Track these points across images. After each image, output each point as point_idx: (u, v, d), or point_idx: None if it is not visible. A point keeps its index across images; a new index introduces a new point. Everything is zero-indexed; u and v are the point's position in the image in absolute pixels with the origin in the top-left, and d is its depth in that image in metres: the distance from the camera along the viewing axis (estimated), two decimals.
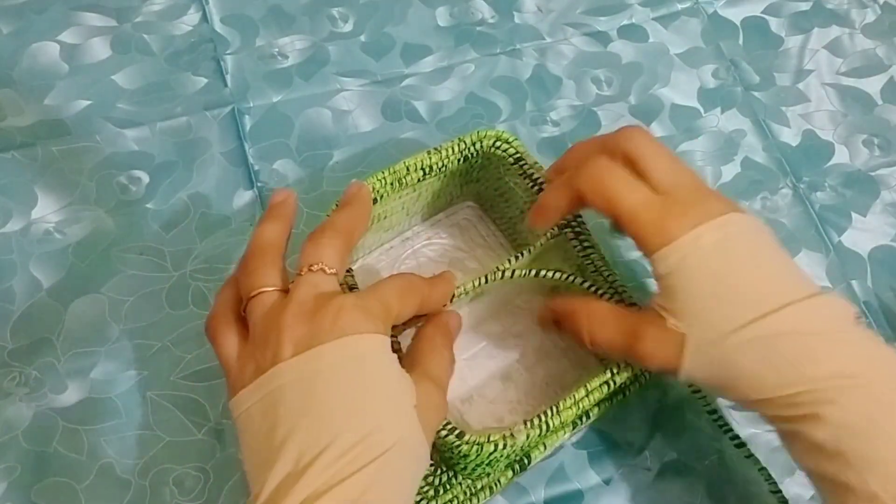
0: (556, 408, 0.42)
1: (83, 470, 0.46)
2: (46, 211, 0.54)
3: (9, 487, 0.46)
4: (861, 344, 0.38)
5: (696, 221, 0.38)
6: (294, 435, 0.33)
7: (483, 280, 0.44)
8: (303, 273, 0.38)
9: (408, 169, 0.47)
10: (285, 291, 0.38)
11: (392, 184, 0.46)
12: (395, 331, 0.41)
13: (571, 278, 0.46)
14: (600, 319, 0.42)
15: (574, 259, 0.48)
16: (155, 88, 0.58)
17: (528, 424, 0.41)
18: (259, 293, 0.37)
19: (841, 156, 0.59)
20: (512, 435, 0.41)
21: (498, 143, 0.49)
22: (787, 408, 0.37)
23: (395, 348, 0.40)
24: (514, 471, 0.45)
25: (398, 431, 0.34)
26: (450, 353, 0.41)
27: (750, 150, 0.59)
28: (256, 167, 0.56)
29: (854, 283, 0.55)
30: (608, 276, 0.47)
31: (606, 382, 0.43)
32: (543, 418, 0.41)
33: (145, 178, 0.55)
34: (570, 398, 0.42)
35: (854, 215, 0.57)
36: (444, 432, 0.40)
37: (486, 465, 0.43)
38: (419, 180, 0.47)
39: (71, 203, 0.54)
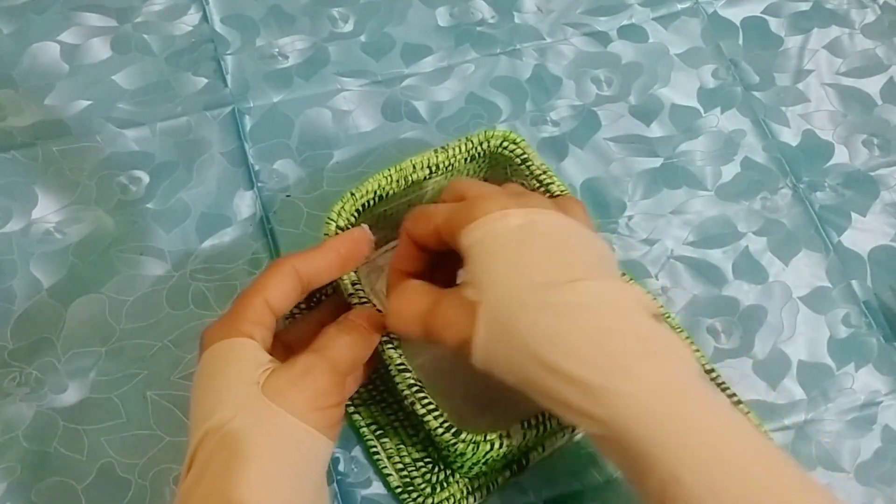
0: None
1: (83, 470, 0.46)
2: (47, 211, 0.54)
3: (9, 487, 0.46)
4: (657, 330, 0.36)
5: (508, 206, 0.38)
6: (191, 426, 0.38)
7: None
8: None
9: (414, 167, 0.47)
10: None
11: (398, 181, 0.46)
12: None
13: None
14: (406, 299, 0.41)
15: None
16: (155, 88, 0.58)
17: (525, 425, 0.41)
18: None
19: (841, 156, 0.60)
20: (508, 435, 0.41)
21: (505, 144, 0.49)
22: (578, 392, 0.35)
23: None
24: (511, 471, 0.45)
25: (232, 408, 0.37)
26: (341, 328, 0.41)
27: (750, 150, 0.59)
28: (257, 167, 0.56)
29: (854, 283, 0.55)
30: None
31: None
32: (541, 419, 0.41)
33: (145, 179, 0.55)
34: None
35: (854, 215, 0.57)
36: (440, 430, 0.40)
37: (483, 463, 0.43)
38: (425, 178, 0.47)
39: (71, 203, 0.54)
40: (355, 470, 0.47)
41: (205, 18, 0.61)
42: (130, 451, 0.47)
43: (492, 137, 0.49)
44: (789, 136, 0.60)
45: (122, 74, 0.59)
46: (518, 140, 0.49)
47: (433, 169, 0.47)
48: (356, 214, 0.45)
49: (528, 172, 0.48)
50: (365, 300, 0.43)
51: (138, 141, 0.56)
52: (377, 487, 0.47)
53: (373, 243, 0.44)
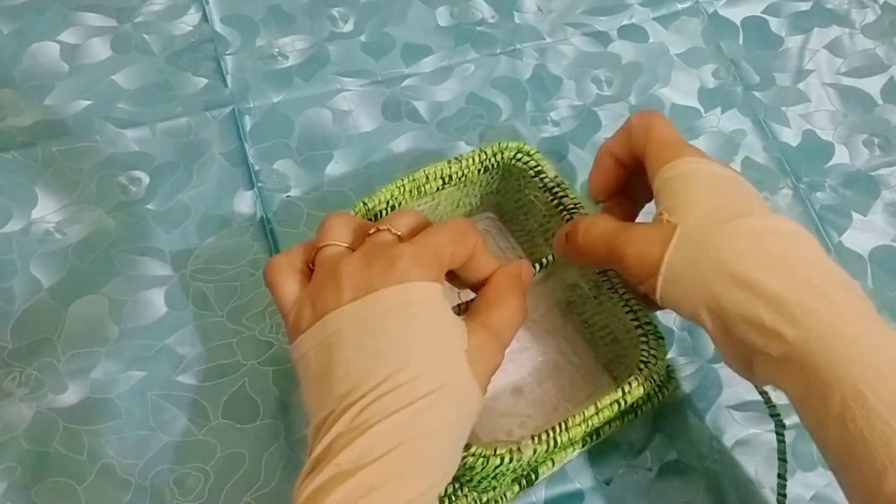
0: (566, 424, 0.41)
1: (83, 470, 0.46)
2: (46, 211, 0.54)
3: (9, 487, 0.46)
4: (838, 267, 0.38)
5: (705, 158, 0.42)
6: (348, 375, 0.35)
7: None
8: (371, 234, 0.39)
9: (427, 177, 0.47)
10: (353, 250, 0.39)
11: (411, 192, 0.46)
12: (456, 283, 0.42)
13: (588, 290, 0.47)
14: (602, 217, 0.43)
15: (590, 275, 0.48)
16: (155, 89, 0.58)
17: (536, 440, 0.41)
18: (328, 245, 0.39)
19: (841, 156, 0.59)
20: (519, 449, 0.40)
21: (519, 155, 0.49)
22: (772, 308, 0.36)
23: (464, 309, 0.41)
24: (520, 485, 0.45)
25: (444, 375, 0.35)
26: (517, 303, 0.40)
27: (750, 150, 0.59)
28: (257, 167, 0.56)
29: None
30: (623, 293, 0.46)
31: (617, 401, 0.42)
32: (552, 434, 0.41)
33: (146, 179, 0.55)
34: (580, 415, 0.42)
35: (854, 215, 0.57)
36: None
37: (492, 478, 0.42)
38: (438, 189, 0.47)
39: (71, 203, 0.54)
40: None
41: (205, 18, 0.61)
42: (130, 452, 0.47)
43: (505, 149, 0.48)
44: (790, 136, 0.60)
45: (121, 74, 0.59)
46: (532, 152, 0.49)
47: (446, 180, 0.47)
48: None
49: (541, 184, 0.48)
50: None
51: (138, 141, 0.56)
52: None
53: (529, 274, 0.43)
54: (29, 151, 0.55)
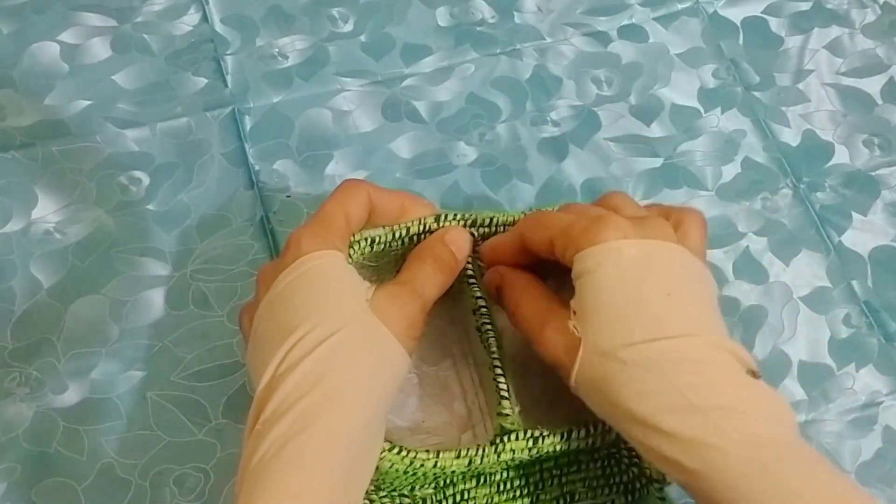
0: (497, 446, 0.40)
1: (83, 470, 0.46)
2: (46, 211, 0.54)
3: (9, 487, 0.46)
4: (752, 387, 0.37)
5: (628, 235, 0.38)
6: (263, 352, 0.37)
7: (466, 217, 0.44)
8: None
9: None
10: None
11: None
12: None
13: None
14: (529, 296, 0.42)
15: None
16: (155, 89, 0.58)
17: (460, 453, 0.40)
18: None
19: (841, 156, 0.59)
20: (417, 453, 0.40)
21: None
22: (670, 443, 0.36)
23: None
24: None
25: (342, 319, 0.37)
26: (432, 259, 0.42)
27: (750, 151, 0.59)
28: (257, 167, 0.56)
29: (854, 283, 0.55)
30: None
31: (556, 445, 0.41)
32: (473, 451, 0.40)
33: (146, 180, 0.55)
34: (507, 440, 0.41)
35: (854, 215, 0.57)
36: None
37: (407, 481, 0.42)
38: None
39: (71, 203, 0.54)
40: None
41: (205, 18, 0.61)
42: (130, 452, 0.47)
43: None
44: (790, 136, 0.60)
45: (121, 74, 0.59)
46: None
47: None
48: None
49: None
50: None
51: (138, 141, 0.56)
52: None
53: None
54: (29, 151, 0.55)
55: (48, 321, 0.50)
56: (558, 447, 0.41)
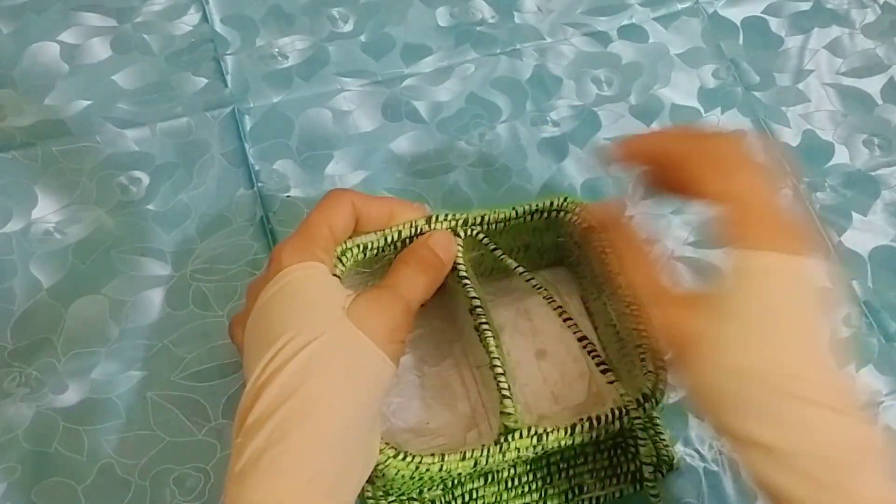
0: (499, 447, 0.40)
1: (83, 470, 0.46)
2: (46, 211, 0.54)
3: (9, 487, 0.46)
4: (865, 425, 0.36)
5: (797, 249, 0.36)
6: (249, 365, 0.38)
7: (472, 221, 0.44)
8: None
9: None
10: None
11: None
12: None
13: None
14: (645, 269, 0.40)
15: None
16: (155, 89, 0.58)
17: (461, 454, 0.40)
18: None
19: (841, 156, 0.59)
20: (437, 457, 0.40)
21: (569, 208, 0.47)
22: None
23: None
24: None
25: (320, 327, 0.38)
26: (415, 265, 0.43)
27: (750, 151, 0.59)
28: (257, 167, 0.56)
29: (854, 283, 0.55)
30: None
31: (561, 440, 0.41)
32: (476, 453, 0.40)
33: (146, 180, 0.55)
34: (513, 439, 0.40)
35: (854, 215, 0.57)
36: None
37: (412, 485, 0.42)
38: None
39: (71, 203, 0.54)
40: None
41: (205, 18, 0.61)
42: (130, 452, 0.47)
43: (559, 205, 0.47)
44: (790, 137, 0.60)
45: (121, 74, 0.59)
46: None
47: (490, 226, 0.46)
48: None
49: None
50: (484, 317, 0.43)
51: (138, 141, 0.56)
52: None
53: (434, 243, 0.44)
54: (29, 151, 0.55)
55: (48, 321, 0.50)
56: (563, 442, 0.41)
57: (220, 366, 0.49)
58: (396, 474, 0.40)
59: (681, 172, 0.39)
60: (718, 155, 0.39)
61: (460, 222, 0.45)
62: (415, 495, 0.44)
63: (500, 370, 0.42)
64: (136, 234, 0.53)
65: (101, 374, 0.49)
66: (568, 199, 0.46)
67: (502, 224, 0.46)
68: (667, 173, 0.40)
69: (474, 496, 0.45)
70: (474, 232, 0.45)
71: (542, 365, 0.45)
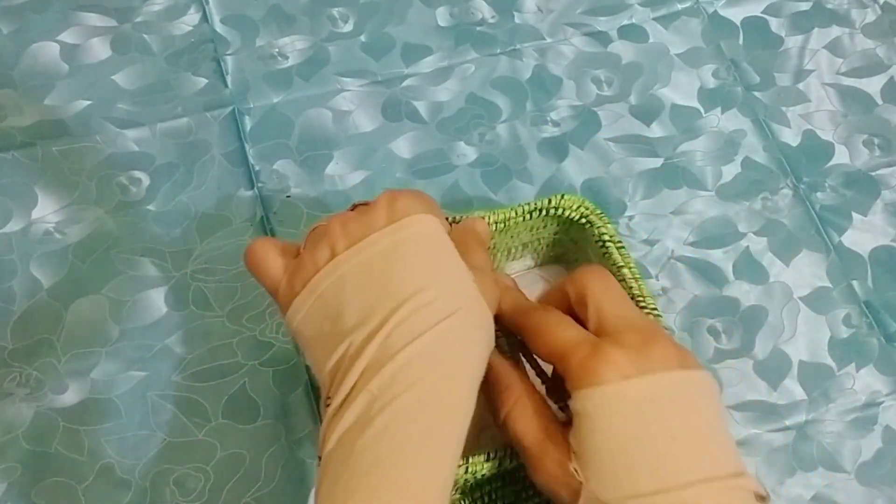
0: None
1: (83, 470, 0.46)
2: (46, 211, 0.54)
3: (9, 488, 0.46)
4: None
5: (628, 374, 0.35)
6: (361, 309, 0.34)
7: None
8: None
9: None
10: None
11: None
12: None
13: None
14: (523, 411, 0.38)
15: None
16: (155, 89, 0.58)
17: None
18: (317, 225, 0.37)
19: (841, 156, 0.59)
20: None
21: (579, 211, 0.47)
22: None
23: None
24: None
25: (460, 298, 0.35)
26: (484, 252, 0.40)
27: (750, 151, 0.59)
28: (257, 167, 0.56)
29: (854, 283, 0.55)
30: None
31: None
32: (499, 454, 0.40)
33: (146, 179, 0.55)
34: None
35: (854, 215, 0.57)
36: None
37: None
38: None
39: (71, 203, 0.54)
40: None
41: (205, 18, 0.61)
42: (130, 452, 0.47)
43: (566, 205, 0.47)
44: (790, 137, 0.60)
45: (121, 74, 0.59)
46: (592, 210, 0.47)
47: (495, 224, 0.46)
48: None
49: (602, 247, 0.46)
50: None
51: (138, 141, 0.56)
52: None
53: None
54: (29, 151, 0.55)
55: (48, 321, 0.50)
56: None
57: (220, 366, 0.49)
58: None
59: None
60: (580, 281, 0.38)
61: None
62: None
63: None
64: (136, 235, 0.53)
65: (101, 374, 0.49)
66: (565, 197, 0.47)
67: (502, 224, 0.46)
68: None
69: (493, 497, 0.45)
70: None
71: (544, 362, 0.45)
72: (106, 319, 0.50)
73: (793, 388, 0.51)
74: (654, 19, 0.64)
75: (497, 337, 0.41)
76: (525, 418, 0.38)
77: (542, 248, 0.51)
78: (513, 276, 0.52)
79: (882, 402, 0.51)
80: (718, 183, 0.58)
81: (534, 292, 0.48)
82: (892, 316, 0.54)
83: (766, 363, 0.52)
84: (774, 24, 0.65)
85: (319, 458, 0.33)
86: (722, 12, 0.65)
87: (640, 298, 0.44)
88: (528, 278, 0.53)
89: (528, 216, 0.46)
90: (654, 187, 0.57)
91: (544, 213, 0.47)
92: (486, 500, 0.45)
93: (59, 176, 0.55)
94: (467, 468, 0.40)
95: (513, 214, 0.46)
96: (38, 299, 0.51)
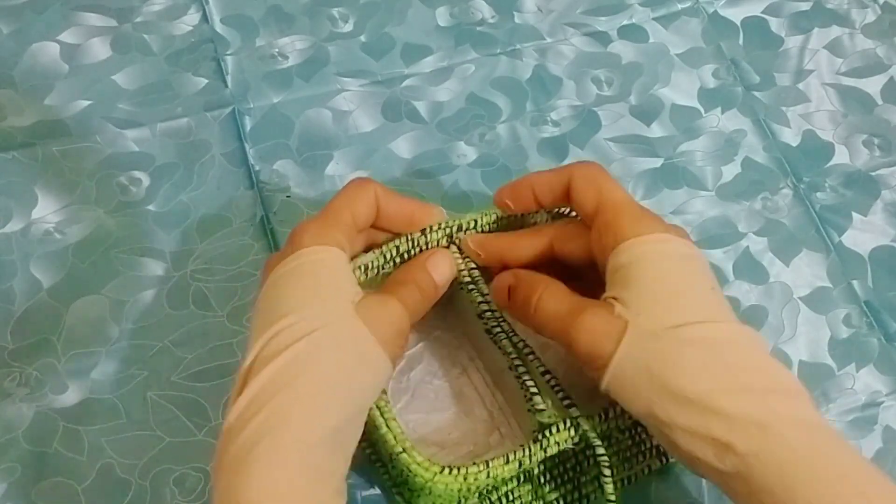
0: (533, 447, 0.40)
1: (83, 470, 0.46)
2: (47, 211, 0.54)
3: (9, 488, 0.46)
4: (782, 370, 0.38)
5: (667, 229, 0.40)
6: (254, 331, 0.38)
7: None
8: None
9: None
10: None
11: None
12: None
13: None
14: (552, 293, 0.41)
15: None
16: (155, 89, 0.58)
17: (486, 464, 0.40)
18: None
19: (841, 156, 0.59)
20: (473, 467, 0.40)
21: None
22: (725, 423, 0.35)
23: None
24: None
25: (324, 317, 0.38)
26: (414, 287, 0.42)
27: (750, 151, 0.59)
28: (257, 168, 0.56)
29: (855, 283, 0.55)
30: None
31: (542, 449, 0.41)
32: (517, 454, 0.40)
33: (146, 180, 0.55)
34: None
35: (855, 215, 0.57)
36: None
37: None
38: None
39: (71, 203, 0.54)
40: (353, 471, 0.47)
41: (205, 18, 0.61)
42: (130, 452, 0.47)
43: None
44: (790, 137, 0.60)
45: (121, 74, 0.59)
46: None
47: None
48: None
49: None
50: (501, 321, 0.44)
51: (138, 141, 0.56)
52: (377, 489, 0.47)
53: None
54: (29, 151, 0.55)
55: (48, 321, 0.50)
56: (599, 429, 0.41)
57: (220, 366, 0.49)
58: (445, 489, 0.40)
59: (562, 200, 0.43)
60: (584, 178, 0.42)
61: (454, 229, 0.45)
62: None
63: (522, 368, 0.42)
64: (137, 235, 0.53)
65: (101, 374, 0.49)
66: None
67: (495, 225, 0.46)
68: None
69: (511, 498, 0.45)
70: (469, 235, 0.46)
71: (546, 358, 0.45)
72: (106, 319, 0.50)
73: None
74: (654, 19, 0.64)
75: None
76: (557, 295, 0.41)
77: None
78: None
79: (882, 402, 0.51)
80: (718, 183, 0.58)
81: None
82: (893, 316, 0.54)
83: None
84: (774, 24, 0.65)
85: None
86: (722, 12, 0.65)
87: None
88: None
89: (518, 216, 0.47)
90: (655, 187, 0.57)
91: (535, 211, 0.47)
92: (504, 501, 0.45)
93: (59, 176, 0.55)
94: (488, 473, 0.40)
95: (504, 214, 0.46)
96: (38, 299, 0.51)
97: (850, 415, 0.51)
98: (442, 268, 0.44)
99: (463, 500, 0.43)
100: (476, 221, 0.46)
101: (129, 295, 0.51)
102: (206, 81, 0.59)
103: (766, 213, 0.57)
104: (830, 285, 0.55)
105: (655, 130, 0.59)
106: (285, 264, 0.40)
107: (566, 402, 0.42)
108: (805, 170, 0.59)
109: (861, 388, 0.51)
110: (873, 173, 0.59)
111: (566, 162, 0.58)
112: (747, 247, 0.55)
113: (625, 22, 0.64)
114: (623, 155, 0.58)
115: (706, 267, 0.41)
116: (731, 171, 0.58)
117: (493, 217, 0.46)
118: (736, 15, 0.65)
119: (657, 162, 0.58)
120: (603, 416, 0.41)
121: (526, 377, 0.42)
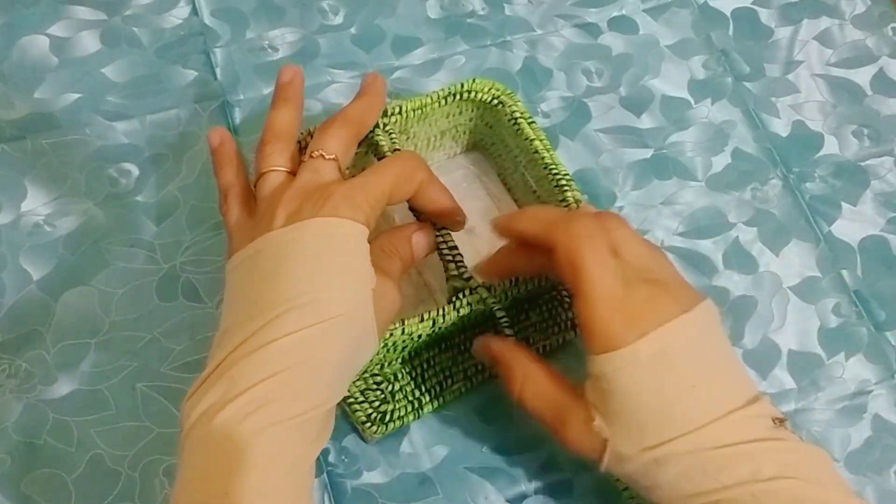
0: (447, 307, 0.44)
1: (73, 461, 0.46)
2: (36, 203, 0.53)
3: None
4: (782, 447, 0.37)
5: (643, 331, 0.37)
6: (261, 293, 0.37)
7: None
8: (306, 159, 0.42)
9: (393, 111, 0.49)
10: (293, 173, 0.41)
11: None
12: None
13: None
14: (534, 386, 0.41)
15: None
16: (145, 81, 0.58)
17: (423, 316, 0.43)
18: (268, 171, 0.42)
19: (831, 146, 0.60)
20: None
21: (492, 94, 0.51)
22: None
23: None
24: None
25: (347, 305, 0.37)
26: (399, 263, 0.43)
27: (740, 141, 0.59)
28: (246, 159, 0.56)
29: (844, 272, 0.55)
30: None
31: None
32: (431, 314, 0.43)
33: (135, 171, 0.55)
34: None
35: (844, 205, 0.57)
36: None
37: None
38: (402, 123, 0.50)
39: (61, 196, 0.54)
40: (345, 460, 0.47)
41: (194, 11, 0.61)
42: (120, 443, 0.47)
43: (479, 89, 0.51)
44: (779, 127, 0.60)
45: (111, 67, 0.59)
46: (506, 92, 0.51)
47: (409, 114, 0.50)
48: None
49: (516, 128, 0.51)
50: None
51: (128, 134, 0.56)
52: (367, 478, 0.47)
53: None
54: (18, 144, 0.55)
55: (38, 313, 0.50)
56: (509, 293, 0.45)
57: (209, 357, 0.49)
58: None
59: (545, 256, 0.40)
60: (563, 254, 0.39)
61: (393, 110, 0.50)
62: (376, 370, 0.48)
63: (450, 241, 0.45)
64: (126, 226, 0.53)
65: (90, 365, 0.49)
66: (476, 81, 0.51)
67: (419, 111, 0.49)
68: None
69: (431, 364, 0.48)
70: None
71: (472, 240, 0.50)
72: (95, 311, 0.50)
73: (782, 378, 0.51)
74: (644, 11, 0.64)
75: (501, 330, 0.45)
76: (540, 389, 0.41)
77: (461, 134, 0.55)
78: (436, 164, 0.56)
79: (871, 391, 0.51)
80: (708, 173, 0.58)
81: (457, 178, 0.55)
82: (881, 305, 0.54)
83: (755, 352, 0.52)
84: (764, 14, 0.65)
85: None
86: (712, 3, 0.65)
87: (553, 167, 0.49)
88: (450, 165, 0.56)
89: (442, 101, 0.50)
90: (644, 178, 0.57)
91: (458, 97, 0.50)
92: (425, 366, 0.48)
93: (48, 168, 0.55)
94: (403, 329, 0.43)
95: (429, 101, 0.50)
96: (27, 291, 0.51)
97: (840, 403, 0.51)
98: (423, 244, 0.44)
99: (385, 364, 0.47)
100: (401, 107, 0.49)
101: (119, 286, 0.51)
102: (196, 74, 0.59)
103: (756, 203, 0.57)
104: (820, 275, 0.55)
105: (645, 121, 0.59)
106: (306, 226, 0.38)
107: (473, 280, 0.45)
108: (795, 160, 0.59)
109: (850, 377, 0.52)
110: (863, 163, 0.59)
111: (557, 152, 0.58)
112: (737, 237, 0.56)
113: (615, 13, 0.64)
114: (613, 146, 0.58)
115: (692, 346, 0.38)
116: (720, 161, 0.58)
117: (417, 103, 0.50)
118: (726, 6, 0.65)
119: (647, 153, 0.58)
120: (513, 282, 0.45)
121: (444, 247, 0.45)
